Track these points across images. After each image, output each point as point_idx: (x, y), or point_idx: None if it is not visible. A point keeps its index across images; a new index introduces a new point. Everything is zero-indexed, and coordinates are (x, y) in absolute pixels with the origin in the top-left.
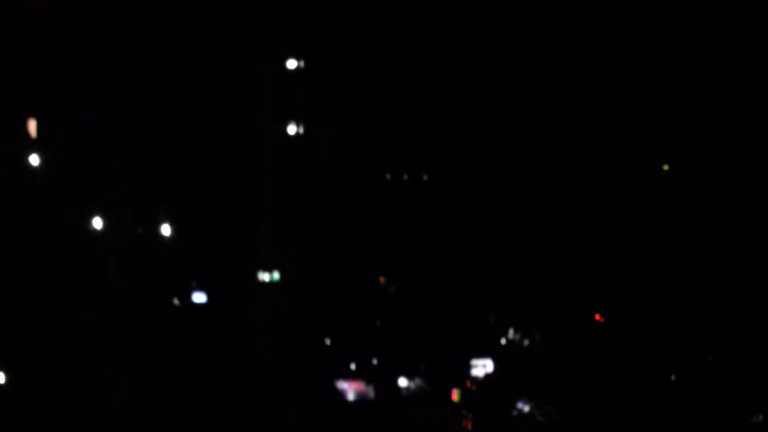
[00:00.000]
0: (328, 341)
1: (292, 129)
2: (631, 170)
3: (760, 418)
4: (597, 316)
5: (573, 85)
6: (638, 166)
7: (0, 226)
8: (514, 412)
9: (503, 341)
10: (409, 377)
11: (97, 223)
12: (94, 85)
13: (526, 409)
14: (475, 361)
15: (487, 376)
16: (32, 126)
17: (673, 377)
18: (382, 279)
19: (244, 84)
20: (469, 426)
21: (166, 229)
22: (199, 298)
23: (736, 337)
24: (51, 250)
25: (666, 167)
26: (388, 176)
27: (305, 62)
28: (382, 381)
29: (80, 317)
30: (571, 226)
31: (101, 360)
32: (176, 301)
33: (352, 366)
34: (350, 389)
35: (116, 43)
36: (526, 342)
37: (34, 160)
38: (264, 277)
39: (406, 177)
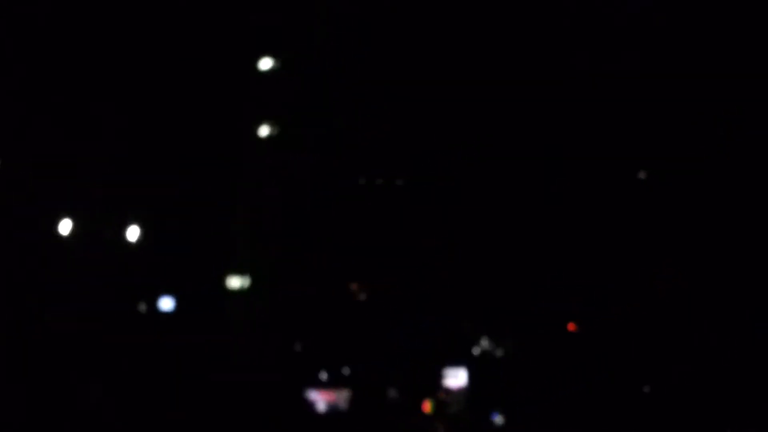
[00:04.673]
0: (298, 349)
1: (266, 130)
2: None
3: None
4: (570, 326)
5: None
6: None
7: None
8: (488, 424)
9: (476, 351)
10: (381, 387)
11: (64, 226)
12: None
13: (499, 421)
14: (447, 371)
15: (460, 386)
16: None
17: (647, 389)
18: (354, 286)
19: (217, 83)
20: None
21: (133, 232)
22: (166, 304)
23: (716, 348)
24: (13, 254)
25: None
26: (362, 181)
27: (282, 61)
28: (354, 391)
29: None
30: (547, 233)
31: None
32: (143, 308)
33: (323, 376)
34: (321, 399)
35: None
36: (499, 352)
37: None
38: (234, 282)
39: (380, 182)
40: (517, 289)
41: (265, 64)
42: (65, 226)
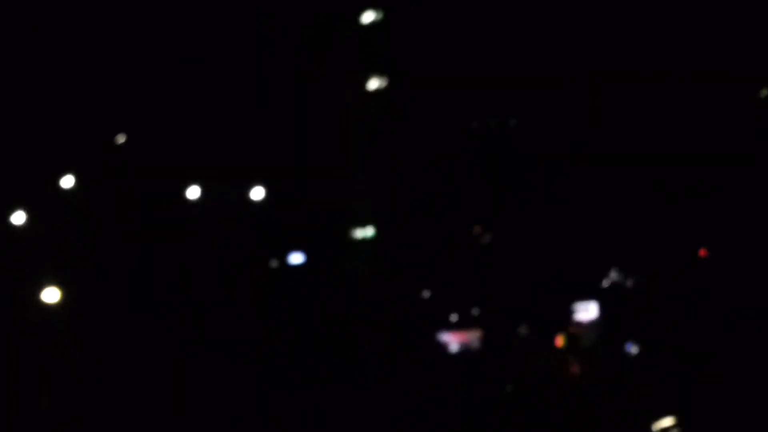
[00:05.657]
0: (427, 294)
1: (374, 83)
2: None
3: None
4: (702, 252)
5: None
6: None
7: None
8: (622, 355)
9: (606, 283)
10: (512, 325)
11: (191, 192)
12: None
13: (634, 351)
14: (577, 305)
15: (591, 319)
16: None
17: None
18: (477, 228)
19: (326, 36)
20: (576, 371)
21: (258, 192)
22: (296, 259)
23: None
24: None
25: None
26: (475, 125)
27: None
28: (486, 330)
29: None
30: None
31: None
32: (274, 264)
33: (454, 318)
34: (453, 341)
35: None
36: (629, 282)
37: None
38: (358, 234)
39: (493, 124)
40: (644, 219)
41: (368, 17)
42: (193, 192)
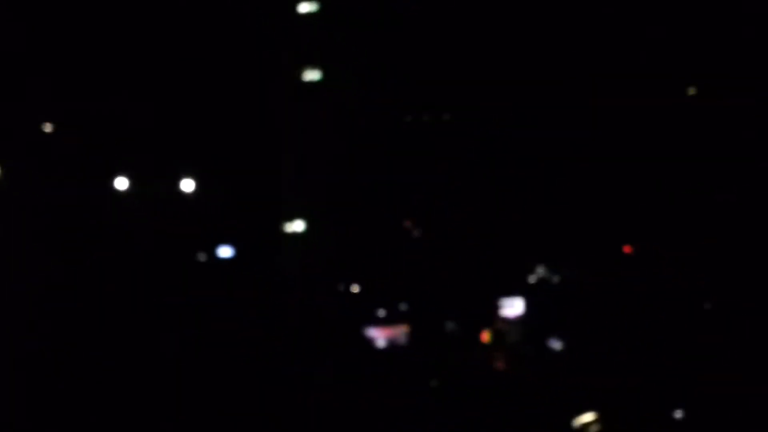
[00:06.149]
0: (355, 289)
1: (309, 75)
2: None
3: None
4: (626, 248)
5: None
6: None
7: None
8: (546, 351)
9: (532, 279)
10: (439, 321)
11: (119, 183)
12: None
13: (558, 346)
14: (503, 301)
15: (517, 315)
16: None
17: (708, 305)
18: (407, 222)
19: (259, 30)
20: (501, 366)
21: (187, 185)
22: (224, 252)
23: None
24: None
25: None
26: (409, 118)
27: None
28: (413, 326)
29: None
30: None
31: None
32: (202, 257)
33: (381, 313)
34: (381, 336)
35: None
36: (555, 279)
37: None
38: (288, 228)
39: (426, 118)
40: (571, 214)
41: (304, 8)
42: (121, 184)
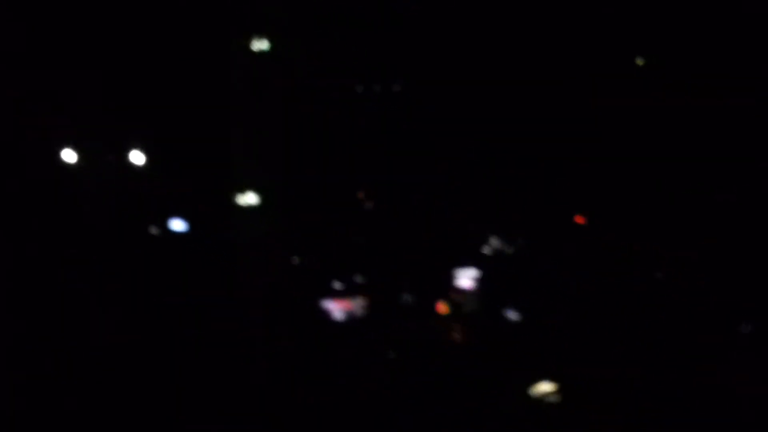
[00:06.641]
0: (310, 261)
1: (258, 44)
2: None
3: None
4: (578, 219)
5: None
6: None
7: None
8: (502, 321)
9: (486, 250)
10: (395, 292)
11: (68, 155)
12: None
13: (513, 317)
14: (459, 272)
15: (472, 286)
16: None
17: (659, 275)
18: (360, 194)
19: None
20: (458, 337)
21: (137, 157)
22: (177, 225)
23: None
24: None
25: None
26: (360, 89)
27: None
28: (369, 298)
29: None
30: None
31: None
32: (155, 230)
33: (337, 285)
34: (336, 308)
35: None
36: (509, 249)
37: None
38: (242, 200)
39: (378, 88)
40: (524, 185)
41: None
42: (69, 156)
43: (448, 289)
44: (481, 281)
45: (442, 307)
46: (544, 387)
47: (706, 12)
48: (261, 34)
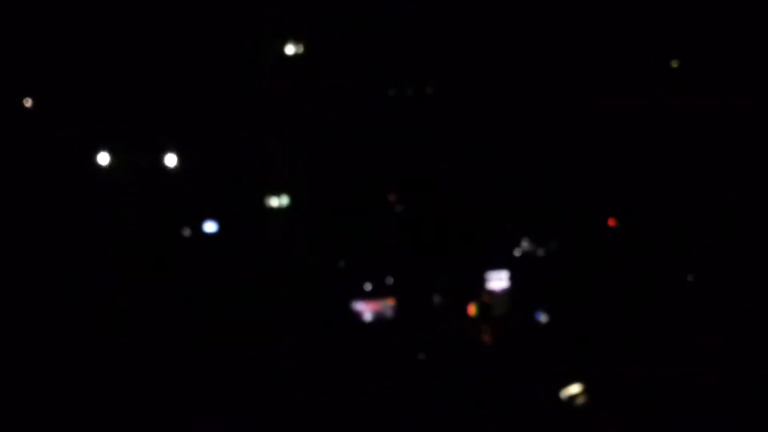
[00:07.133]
0: (342, 264)
1: (291, 48)
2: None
3: None
4: (611, 221)
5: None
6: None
7: None
8: (532, 323)
9: (517, 253)
10: (426, 294)
11: (102, 158)
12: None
13: (543, 320)
14: (490, 274)
15: (503, 288)
16: None
17: (690, 277)
18: (391, 197)
19: (240, 7)
20: (487, 339)
21: (170, 160)
22: (210, 227)
23: None
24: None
25: None
26: (392, 92)
27: None
28: (400, 299)
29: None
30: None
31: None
32: (187, 232)
33: (368, 287)
34: (367, 310)
35: None
36: (540, 252)
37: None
38: (273, 202)
39: (410, 92)
40: (557, 188)
41: None
42: (104, 159)
43: (479, 291)
44: (512, 283)
45: (473, 309)
46: (573, 389)
47: (706, 12)
48: (296, 38)
